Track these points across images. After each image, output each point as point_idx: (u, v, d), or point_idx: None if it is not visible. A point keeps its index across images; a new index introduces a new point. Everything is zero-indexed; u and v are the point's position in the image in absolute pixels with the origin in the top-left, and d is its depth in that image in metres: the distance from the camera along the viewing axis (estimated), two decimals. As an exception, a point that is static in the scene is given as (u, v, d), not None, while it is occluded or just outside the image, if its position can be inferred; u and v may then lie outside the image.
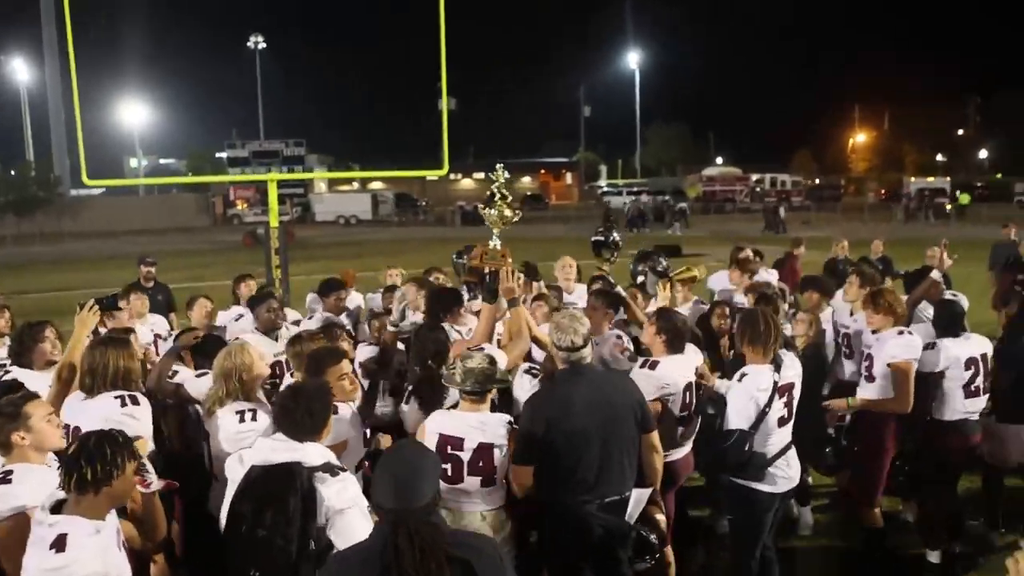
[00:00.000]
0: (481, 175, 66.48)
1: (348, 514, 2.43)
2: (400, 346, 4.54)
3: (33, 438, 2.69)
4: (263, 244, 10.83)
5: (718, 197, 47.59)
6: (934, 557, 4.39)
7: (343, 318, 5.52)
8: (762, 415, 3.41)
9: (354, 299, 6.23)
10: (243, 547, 2.42)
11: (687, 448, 3.93)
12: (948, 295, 5.70)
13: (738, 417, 3.44)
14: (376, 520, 2.08)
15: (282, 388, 3.33)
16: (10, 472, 2.61)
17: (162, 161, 68.31)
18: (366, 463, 3.33)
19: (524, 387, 3.62)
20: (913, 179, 49.60)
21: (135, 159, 61.00)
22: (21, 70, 50.76)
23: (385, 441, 3.65)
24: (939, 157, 67.96)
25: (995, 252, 10.71)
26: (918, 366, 4.20)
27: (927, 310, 5.42)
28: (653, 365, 3.73)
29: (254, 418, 3.26)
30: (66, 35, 8.24)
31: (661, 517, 3.06)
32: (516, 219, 3.99)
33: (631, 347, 4.14)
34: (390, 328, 4.73)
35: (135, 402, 3.25)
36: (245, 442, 3.05)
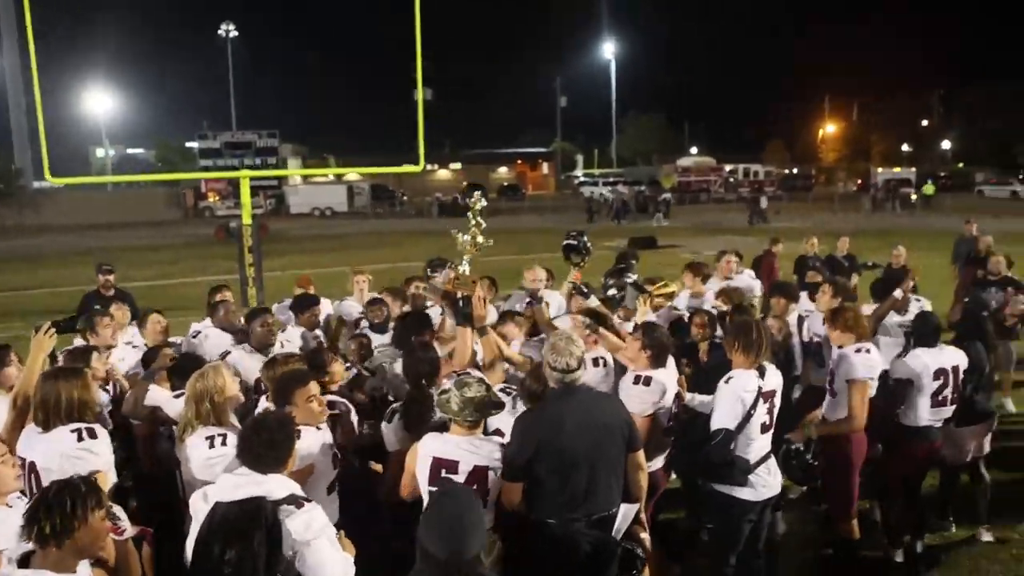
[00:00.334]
0: (458, 166, 66.15)
1: (315, 545, 2.43)
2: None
3: None
4: (235, 238, 10.63)
5: (693, 188, 48.18)
6: (899, 556, 4.61)
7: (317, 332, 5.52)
8: (747, 417, 3.52)
9: (323, 307, 6.02)
10: None
11: (662, 460, 4.04)
12: (914, 300, 5.96)
13: (724, 416, 3.54)
14: (419, 568, 2.04)
15: (248, 418, 3.24)
16: None
17: (129, 151, 66.74)
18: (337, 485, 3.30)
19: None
20: (880, 169, 50.63)
21: (101, 149, 59.54)
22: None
23: (376, 468, 3.69)
24: (904, 147, 69.44)
25: (957, 247, 11.08)
26: (892, 371, 4.41)
27: (892, 317, 5.67)
28: (647, 381, 3.82)
29: (224, 443, 3.19)
30: (24, 19, 7.94)
31: (645, 536, 3.17)
32: (489, 244, 4.05)
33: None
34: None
35: (92, 435, 3.12)
36: (216, 468, 3.03)
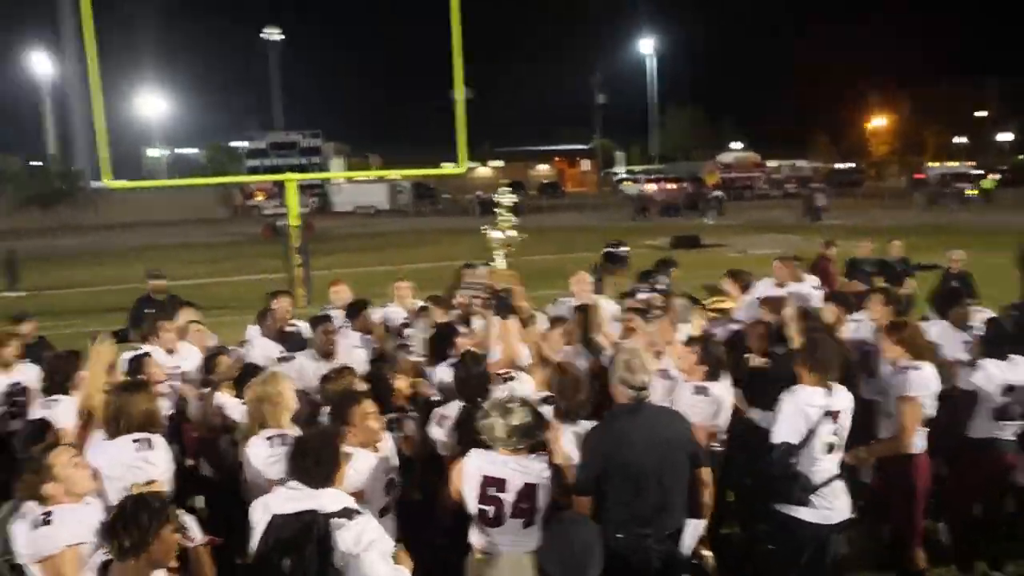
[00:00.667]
0: (499, 163, 66.31)
1: (365, 557, 2.51)
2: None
3: (62, 485, 2.84)
4: (282, 236, 10.90)
5: (736, 184, 46.91)
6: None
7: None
8: (810, 434, 3.39)
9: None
10: None
11: None
12: (975, 311, 5.64)
13: (786, 429, 3.41)
14: None
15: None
16: (49, 513, 2.77)
17: (179, 151, 68.79)
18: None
19: None
20: (935, 164, 48.73)
21: (153, 150, 61.61)
22: (43, 63, 51.29)
23: None
24: (958, 140, 66.67)
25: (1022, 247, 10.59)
26: (958, 381, 4.23)
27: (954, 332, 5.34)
28: (705, 391, 3.85)
29: (283, 443, 3.32)
30: (84, 26, 8.23)
31: (707, 552, 3.15)
32: (521, 238, 4.14)
33: None
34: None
35: (150, 446, 3.33)
36: (277, 466, 3.18)
